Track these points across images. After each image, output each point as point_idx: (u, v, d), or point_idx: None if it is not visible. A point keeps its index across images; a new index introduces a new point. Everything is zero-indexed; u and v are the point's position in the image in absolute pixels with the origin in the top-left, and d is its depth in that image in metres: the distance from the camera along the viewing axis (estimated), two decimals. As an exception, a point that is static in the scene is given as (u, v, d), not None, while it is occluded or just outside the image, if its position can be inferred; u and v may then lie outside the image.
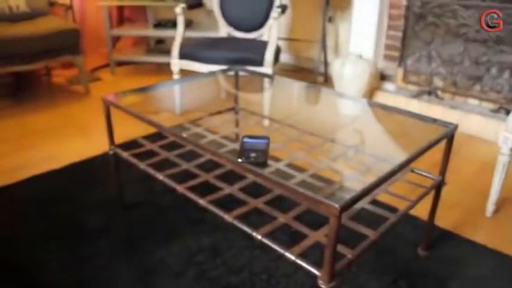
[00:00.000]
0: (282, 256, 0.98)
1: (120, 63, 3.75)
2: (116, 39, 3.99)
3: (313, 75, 3.41)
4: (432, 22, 2.69)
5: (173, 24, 3.46)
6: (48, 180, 1.92)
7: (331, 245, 0.87)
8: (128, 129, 1.82)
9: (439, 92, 2.74)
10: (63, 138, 2.39)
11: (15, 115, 2.71)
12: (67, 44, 2.93)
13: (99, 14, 3.68)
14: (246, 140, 1.24)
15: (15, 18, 2.94)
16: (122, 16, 4.16)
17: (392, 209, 1.24)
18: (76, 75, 3.31)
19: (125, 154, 1.53)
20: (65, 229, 1.58)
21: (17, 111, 2.77)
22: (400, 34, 2.86)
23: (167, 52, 3.55)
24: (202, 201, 1.20)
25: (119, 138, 1.60)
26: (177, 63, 2.54)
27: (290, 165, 1.41)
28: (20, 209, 1.71)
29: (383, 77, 3.00)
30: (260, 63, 2.38)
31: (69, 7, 3.33)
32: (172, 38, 2.63)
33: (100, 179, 1.92)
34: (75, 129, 2.51)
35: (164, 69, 3.64)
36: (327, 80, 3.43)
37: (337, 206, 0.83)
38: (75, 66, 3.15)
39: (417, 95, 2.80)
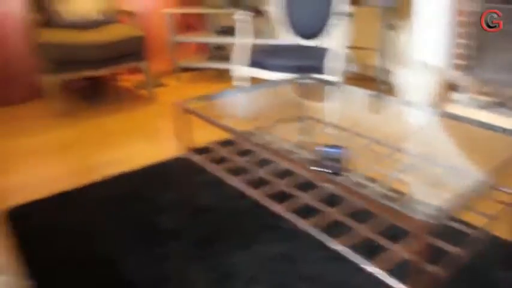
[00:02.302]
0: (361, 269, 0.97)
1: (183, 69, 3.87)
2: (178, 46, 4.13)
3: (376, 83, 3.36)
4: (505, 30, 2.58)
5: (234, 31, 3.53)
6: (123, 182, 2.02)
7: (418, 262, 0.86)
8: (195, 135, 1.88)
9: None
10: (131, 141, 2.50)
11: (91, 117, 2.87)
12: (133, 50, 3.07)
13: (163, 21, 3.83)
14: (321, 148, 1.25)
15: (86, 25, 3.12)
16: (184, 23, 4.29)
17: (469, 225, 1.20)
18: (142, 80, 3.46)
19: (198, 158, 1.58)
20: (140, 229, 1.65)
21: (92, 114, 2.94)
22: (468, 42, 2.76)
23: (226, 58, 3.63)
24: (278, 208, 1.22)
25: (188, 143, 1.66)
26: (242, 70, 2.59)
27: (360, 175, 1.41)
28: (99, 207, 1.81)
29: (450, 87, 2.91)
30: (324, 71, 2.39)
31: (135, 14, 3.49)
32: (233, 45, 2.69)
33: (172, 182, 1.99)
34: (142, 132, 2.62)
35: (224, 75, 3.72)
36: (390, 89, 3.37)
37: (428, 221, 0.82)
38: (141, 72, 3.29)
39: (487, 106, 2.69)
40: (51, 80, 2.79)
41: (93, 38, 2.89)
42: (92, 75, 2.94)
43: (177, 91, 3.46)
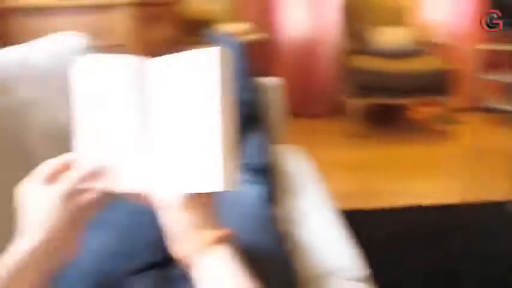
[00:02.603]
0: None
1: (483, 109, 3.55)
2: (482, 83, 3.81)
3: None
4: None
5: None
6: (410, 215, 1.97)
7: None
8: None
9: None
10: (418, 175, 2.42)
11: (381, 142, 2.95)
12: (438, 83, 2.97)
13: (470, 55, 3.58)
14: None
15: (396, 54, 3.19)
16: (492, 59, 3.93)
17: None
18: (437, 114, 3.33)
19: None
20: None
21: (383, 139, 3.01)
22: None
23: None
24: None
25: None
26: None
27: None
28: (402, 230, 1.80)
29: None
30: None
31: (444, 47, 3.38)
32: None
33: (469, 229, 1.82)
34: (432, 169, 2.51)
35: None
36: None
37: None
38: (434, 105, 3.17)
39: None
40: (354, 103, 2.98)
41: (402, 67, 2.95)
42: (393, 103, 3.00)
43: (475, 132, 3.18)
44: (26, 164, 0.87)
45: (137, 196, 0.58)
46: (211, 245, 0.51)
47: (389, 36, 3.22)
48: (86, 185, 0.56)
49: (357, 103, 2.99)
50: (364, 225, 1.84)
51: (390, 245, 1.73)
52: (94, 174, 0.55)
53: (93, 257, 0.69)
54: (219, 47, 0.51)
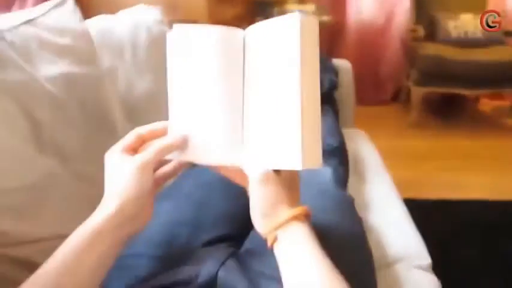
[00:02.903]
0: None
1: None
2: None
3: None
4: None
5: None
6: (483, 208, 1.91)
7: None
8: None
9: None
10: (479, 169, 2.31)
11: (442, 134, 2.83)
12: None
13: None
14: None
15: (466, 43, 3.02)
16: None
17: None
18: (504, 107, 3.15)
19: None
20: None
21: (444, 131, 2.89)
22: None
23: None
24: None
25: None
26: None
27: None
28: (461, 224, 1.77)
29: None
30: None
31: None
32: None
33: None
34: (504, 164, 2.39)
35: None
36: None
37: None
38: (503, 98, 2.99)
39: None
40: (419, 91, 2.87)
41: (475, 56, 2.79)
42: (460, 93, 2.86)
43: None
44: (105, 132, 0.92)
45: (221, 169, 0.58)
46: (290, 221, 0.51)
47: (464, 24, 3.05)
48: (169, 156, 0.56)
49: (423, 91, 2.87)
50: (422, 216, 1.80)
51: (446, 238, 1.68)
52: (179, 146, 0.55)
53: (164, 226, 0.69)
54: (300, 15, 0.48)
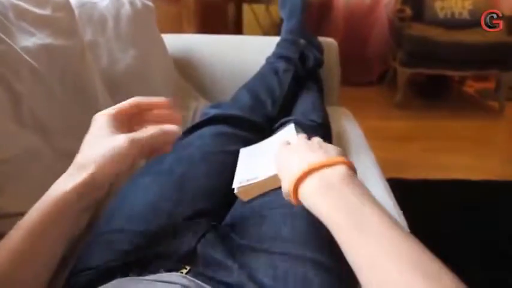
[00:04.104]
0: None
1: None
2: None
3: None
4: None
5: None
6: (463, 188, 1.94)
7: None
8: None
9: None
10: (458, 149, 2.34)
11: (425, 115, 2.85)
12: (498, 57, 2.82)
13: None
14: None
15: (453, 24, 3.03)
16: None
17: None
18: (489, 89, 3.18)
19: None
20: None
21: (426, 112, 2.91)
22: None
23: None
24: None
25: None
26: None
27: None
28: (442, 204, 1.81)
29: None
30: None
31: (508, 18, 3.16)
32: None
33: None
34: (488, 145, 2.43)
35: None
36: None
37: None
38: (487, 80, 3.01)
39: None
40: (405, 72, 2.88)
41: (461, 38, 2.80)
42: (444, 74, 2.87)
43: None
44: (86, 107, 0.90)
45: None
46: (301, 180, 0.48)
47: (451, 4, 3.05)
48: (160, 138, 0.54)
49: (409, 72, 2.88)
50: (404, 195, 1.83)
51: (428, 216, 1.71)
52: (176, 136, 0.55)
53: (144, 201, 0.69)
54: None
